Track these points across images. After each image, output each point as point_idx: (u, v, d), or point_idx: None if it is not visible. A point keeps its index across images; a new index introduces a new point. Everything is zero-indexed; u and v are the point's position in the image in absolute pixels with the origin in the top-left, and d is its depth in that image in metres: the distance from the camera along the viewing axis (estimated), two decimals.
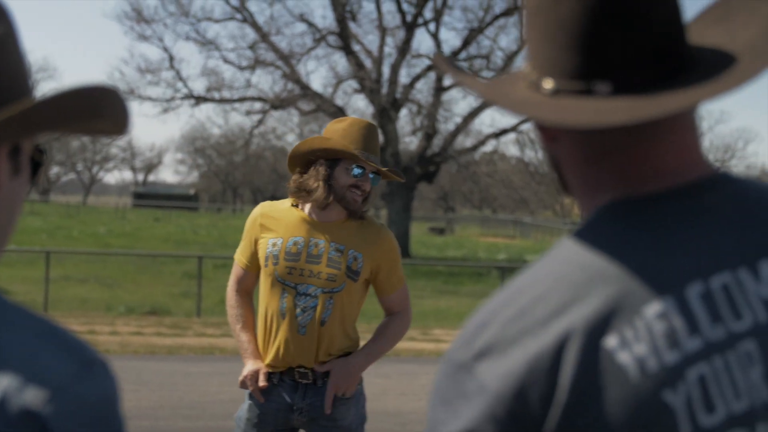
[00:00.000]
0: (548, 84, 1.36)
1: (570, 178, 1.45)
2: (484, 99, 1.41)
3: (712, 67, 1.34)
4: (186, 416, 9.45)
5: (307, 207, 4.40)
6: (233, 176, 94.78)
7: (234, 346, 3.87)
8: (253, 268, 4.50)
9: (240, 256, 4.54)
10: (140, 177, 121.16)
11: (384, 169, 4.40)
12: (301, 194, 4.35)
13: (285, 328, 4.30)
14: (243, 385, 4.39)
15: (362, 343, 4.47)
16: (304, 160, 4.37)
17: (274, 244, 4.37)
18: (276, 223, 4.42)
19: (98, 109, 1.29)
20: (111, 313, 18.11)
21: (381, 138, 34.19)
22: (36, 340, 1.23)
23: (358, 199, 4.33)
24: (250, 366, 4.38)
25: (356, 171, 4.31)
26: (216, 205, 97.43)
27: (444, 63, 1.51)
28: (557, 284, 1.30)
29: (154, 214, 73.27)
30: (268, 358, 4.36)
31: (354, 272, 4.33)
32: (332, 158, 4.32)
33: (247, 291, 4.56)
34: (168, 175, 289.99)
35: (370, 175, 4.37)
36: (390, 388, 11.22)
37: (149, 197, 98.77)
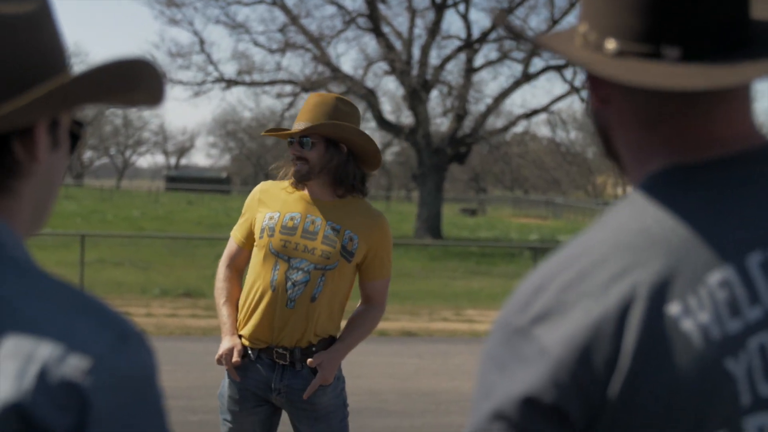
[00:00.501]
0: (611, 44, 1.33)
1: (619, 143, 1.42)
2: (552, 52, 1.39)
3: None
4: None
5: (306, 187, 4.45)
6: (265, 159, 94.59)
7: None
8: (248, 245, 4.53)
9: (236, 232, 4.57)
10: (173, 161, 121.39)
11: (304, 129, 4.34)
12: (291, 175, 4.48)
13: (273, 300, 4.30)
14: (219, 362, 4.40)
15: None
16: None
17: (270, 218, 4.40)
18: (274, 199, 4.47)
19: (135, 82, 1.31)
20: (146, 295, 18.20)
21: (415, 117, 34.13)
22: (74, 313, 1.24)
23: (300, 168, 4.36)
24: (226, 343, 4.40)
25: (289, 141, 4.40)
26: (248, 187, 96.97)
27: (504, 20, 1.47)
28: (617, 248, 1.28)
29: (187, 197, 73.44)
30: (249, 331, 4.36)
31: (349, 252, 4.34)
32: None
33: (237, 268, 4.59)
34: (200, 158, 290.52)
35: (302, 139, 4.36)
36: (423, 367, 11.23)
37: (182, 181, 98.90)
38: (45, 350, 1.18)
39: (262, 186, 4.57)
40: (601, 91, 1.40)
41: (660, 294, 1.23)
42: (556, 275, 1.30)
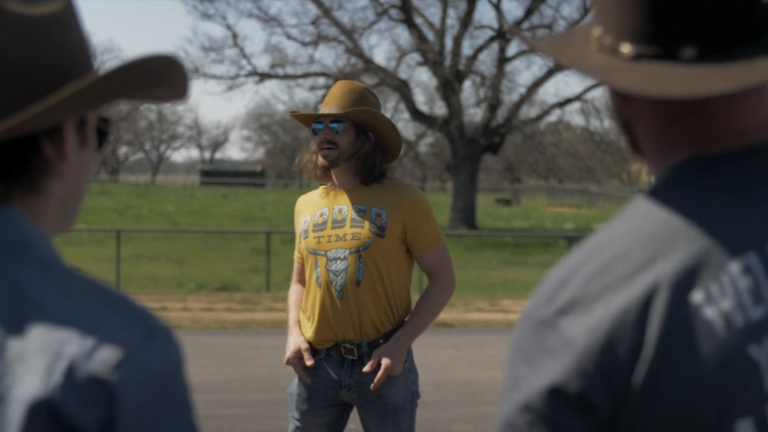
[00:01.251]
0: (626, 48, 1.33)
1: (643, 139, 1.42)
2: (564, 65, 1.39)
3: None
4: (257, 389, 9.53)
5: (329, 180, 4.47)
6: (299, 152, 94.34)
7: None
8: (302, 259, 4.56)
9: (295, 255, 4.62)
10: (207, 155, 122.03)
11: (331, 113, 4.34)
12: (310, 173, 4.49)
13: (323, 296, 4.31)
14: (289, 362, 4.39)
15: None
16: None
17: (305, 222, 4.46)
18: (306, 206, 4.53)
19: (158, 78, 1.32)
20: (182, 289, 18.32)
21: (448, 108, 34.12)
22: (101, 310, 1.24)
23: (329, 154, 4.33)
24: (291, 344, 4.39)
25: (314, 126, 4.40)
26: (283, 181, 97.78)
27: (517, 32, 1.47)
28: (639, 240, 1.28)
29: (222, 191, 73.82)
30: (313, 333, 4.36)
31: (379, 228, 4.31)
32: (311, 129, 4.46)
33: (303, 282, 4.58)
34: (234, 152, 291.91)
35: (333, 125, 4.34)
36: (459, 358, 11.24)
37: (216, 174, 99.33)
38: (73, 347, 1.19)
39: (297, 202, 4.64)
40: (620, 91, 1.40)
41: (682, 283, 1.24)
42: (580, 268, 1.31)
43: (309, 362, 4.32)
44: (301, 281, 4.57)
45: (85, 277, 1.29)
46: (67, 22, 1.33)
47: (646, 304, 1.23)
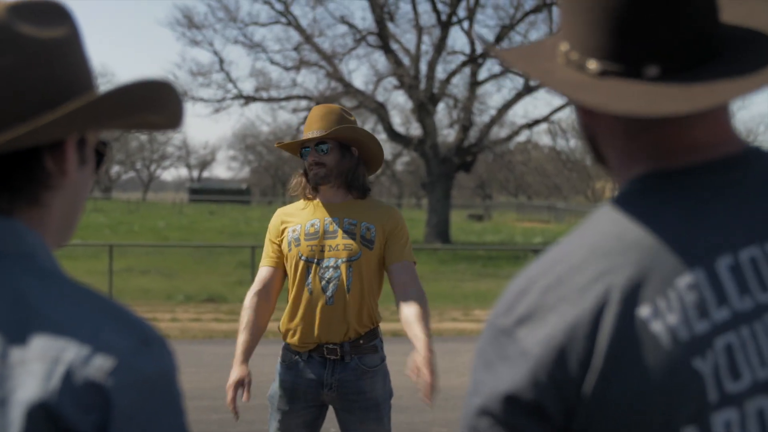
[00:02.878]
0: (593, 65, 1.33)
1: (607, 151, 1.42)
2: (532, 79, 1.38)
3: (752, 51, 1.32)
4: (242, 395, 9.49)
5: (317, 196, 4.51)
6: (282, 170, 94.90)
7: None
8: (279, 264, 4.50)
9: (264, 259, 4.55)
10: (195, 173, 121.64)
11: (317, 137, 4.39)
12: (299, 193, 4.54)
13: (313, 302, 4.33)
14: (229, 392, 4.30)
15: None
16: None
17: (294, 230, 4.45)
18: (293, 216, 4.53)
19: (154, 101, 1.34)
20: (171, 301, 18.23)
21: (423, 128, 34.15)
22: (98, 318, 1.25)
23: (318, 172, 4.39)
24: (234, 373, 4.32)
25: (302, 152, 4.46)
26: (267, 198, 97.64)
27: (491, 47, 1.47)
28: (593, 254, 1.28)
29: (209, 207, 73.63)
30: (297, 336, 4.37)
31: (368, 241, 4.37)
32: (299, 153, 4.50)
33: (267, 290, 4.48)
34: (221, 171, 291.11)
35: (318, 147, 4.40)
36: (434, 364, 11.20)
37: (204, 192, 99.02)
38: (71, 353, 1.20)
39: (279, 212, 4.62)
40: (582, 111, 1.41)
41: (631, 297, 1.24)
42: (537, 279, 1.31)
43: (244, 398, 4.25)
44: (264, 292, 4.46)
45: (83, 288, 1.30)
46: (73, 46, 1.36)
47: (596, 316, 1.24)
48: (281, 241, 4.50)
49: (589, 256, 1.29)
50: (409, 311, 4.24)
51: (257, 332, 4.43)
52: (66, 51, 1.34)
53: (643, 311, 1.23)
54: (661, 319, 1.23)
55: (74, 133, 1.32)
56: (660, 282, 1.24)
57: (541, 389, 1.25)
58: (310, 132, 4.41)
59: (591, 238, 1.32)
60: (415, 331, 4.16)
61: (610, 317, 1.23)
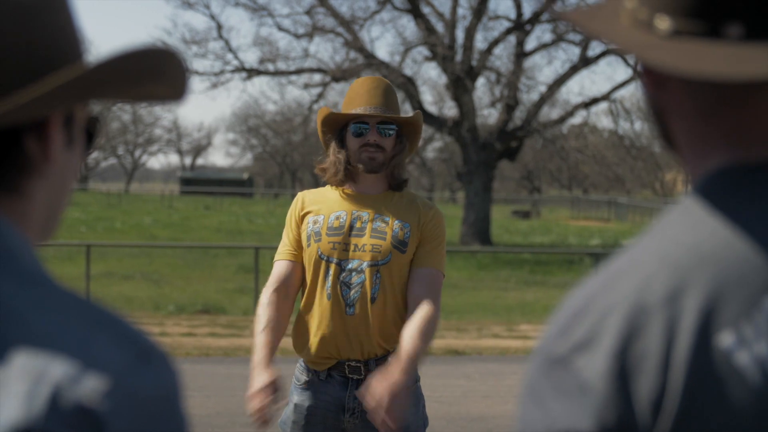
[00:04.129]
0: (664, 23, 1.29)
1: (676, 132, 1.38)
2: (592, 36, 1.36)
3: None
4: (245, 423, 9.52)
5: (347, 183, 4.50)
6: (291, 157, 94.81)
7: None
8: (298, 257, 4.46)
9: (280, 251, 4.50)
10: (188, 161, 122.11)
11: (393, 116, 4.40)
12: (329, 178, 4.50)
13: (331, 310, 4.31)
14: (251, 404, 4.10)
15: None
16: (326, 139, 4.54)
17: (315, 222, 4.43)
18: (317, 203, 4.50)
19: (159, 73, 1.32)
20: (159, 312, 18.29)
21: (459, 108, 34.16)
22: (90, 328, 1.24)
23: (376, 157, 4.39)
24: (257, 380, 4.13)
25: (354, 128, 4.41)
26: (273, 190, 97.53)
27: (545, 6, 1.43)
28: (663, 267, 1.24)
29: (204, 201, 73.80)
30: (313, 350, 4.35)
31: (401, 242, 4.36)
32: (340, 128, 4.48)
33: (287, 288, 4.44)
34: (218, 158, 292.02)
35: (383, 127, 4.41)
36: (473, 390, 11.24)
37: (198, 183, 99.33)
38: (58, 369, 1.19)
39: (300, 195, 4.60)
40: (655, 74, 1.37)
41: (709, 323, 1.18)
42: (597, 296, 1.27)
43: (273, 401, 4.06)
44: (284, 288, 4.43)
45: (72, 294, 1.29)
46: (57, 6, 1.34)
47: (667, 346, 1.19)
48: (300, 232, 4.48)
49: (659, 269, 1.24)
50: (410, 324, 4.20)
51: (280, 332, 4.34)
52: (50, 12, 1.32)
53: (725, 340, 1.18)
54: (747, 348, 1.17)
55: (58, 110, 1.31)
56: (745, 303, 1.19)
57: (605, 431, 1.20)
58: (370, 107, 4.40)
59: (662, 247, 1.27)
60: (402, 344, 4.13)
61: (683, 348, 1.18)
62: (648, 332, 1.20)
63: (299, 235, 4.48)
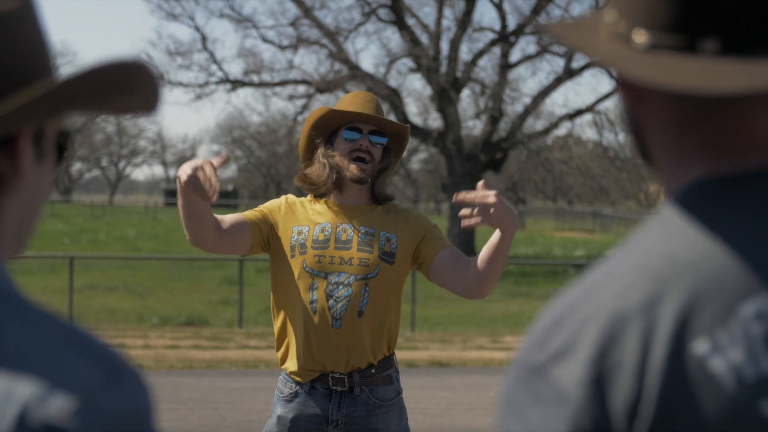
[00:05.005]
0: (641, 37, 1.31)
1: (654, 145, 1.40)
2: (572, 49, 1.37)
3: None
4: None
5: (331, 194, 4.47)
6: (276, 169, 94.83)
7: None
8: (254, 226, 4.33)
9: (246, 212, 4.40)
10: (172, 172, 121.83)
11: (389, 121, 4.38)
12: (310, 188, 4.46)
13: (317, 324, 4.29)
14: (190, 182, 3.90)
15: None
16: (311, 148, 4.50)
17: (299, 232, 4.40)
18: (301, 211, 4.47)
19: (129, 86, 1.31)
20: (143, 324, 18.28)
21: (444, 119, 34.23)
22: (59, 345, 1.23)
23: (364, 167, 4.37)
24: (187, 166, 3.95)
25: (347, 134, 4.38)
26: (257, 201, 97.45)
27: (528, 20, 1.43)
28: (640, 277, 1.25)
29: None
30: (297, 363, 4.34)
31: (388, 254, 4.35)
32: (330, 133, 4.44)
33: (224, 226, 4.25)
34: None
35: (375, 137, 4.40)
36: (456, 402, 11.24)
37: None
38: (26, 388, 1.18)
39: (288, 197, 4.58)
40: (633, 87, 1.38)
41: (685, 330, 1.20)
42: (574, 307, 1.28)
43: (217, 161, 3.98)
44: (221, 226, 4.22)
45: (42, 309, 1.28)
46: (26, 21, 1.33)
47: (643, 354, 1.21)
48: (275, 226, 4.40)
49: (636, 279, 1.26)
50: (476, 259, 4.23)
51: (206, 211, 4.13)
52: (18, 27, 1.31)
53: (700, 347, 1.19)
54: (722, 355, 1.19)
55: (29, 126, 1.30)
56: (720, 311, 1.20)
57: None
58: (364, 113, 4.39)
59: (638, 258, 1.29)
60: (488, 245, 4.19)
61: (659, 355, 1.20)
62: (624, 340, 1.21)
63: (273, 226, 4.41)
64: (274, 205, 4.50)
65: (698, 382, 1.18)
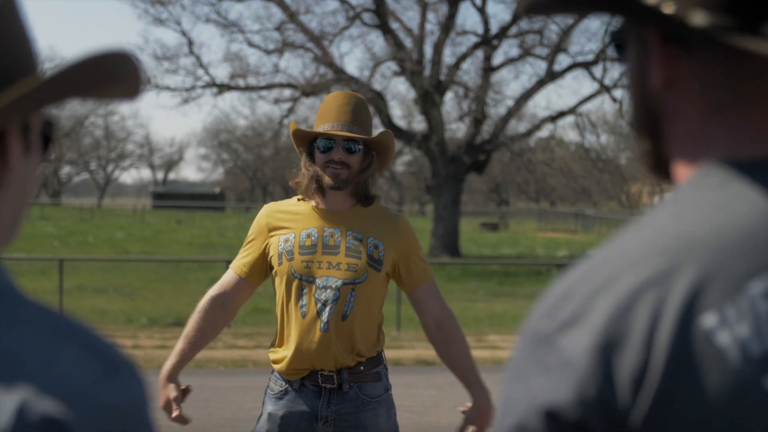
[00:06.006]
0: (698, 18, 1.26)
1: (675, 131, 1.37)
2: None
3: None
4: None
5: (316, 198, 4.48)
6: (262, 172, 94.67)
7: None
8: (251, 276, 4.53)
9: (236, 262, 4.57)
10: (160, 175, 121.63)
11: (358, 136, 4.39)
12: (300, 191, 4.51)
13: (306, 327, 4.32)
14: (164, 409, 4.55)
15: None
16: (300, 151, 4.56)
17: (286, 240, 4.42)
18: (285, 219, 4.49)
19: (110, 76, 1.31)
20: (132, 325, 18.22)
21: (428, 122, 34.21)
22: (56, 341, 1.23)
23: (340, 174, 4.38)
24: (161, 398, 4.53)
25: (320, 144, 4.42)
26: (244, 204, 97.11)
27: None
28: (651, 253, 1.25)
29: (176, 215, 73.57)
30: (288, 363, 4.37)
31: (377, 261, 4.38)
32: (310, 141, 4.49)
33: (226, 300, 4.57)
34: (190, 172, 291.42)
35: (345, 146, 4.40)
36: (442, 399, 11.24)
37: (170, 197, 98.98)
38: (24, 383, 1.17)
39: (267, 209, 4.59)
40: (668, 71, 1.35)
41: (693, 304, 1.20)
42: (585, 279, 1.28)
43: (174, 413, 4.49)
44: (222, 298, 4.55)
45: (39, 305, 1.27)
46: (8, 18, 1.32)
47: (651, 326, 1.20)
48: (266, 248, 4.48)
49: (646, 254, 1.25)
50: (453, 349, 4.57)
51: (201, 342, 4.58)
52: (2, 24, 1.30)
53: (708, 321, 1.20)
54: (729, 330, 1.19)
55: (16, 120, 1.30)
56: (729, 287, 1.20)
57: (587, 407, 1.22)
58: (338, 123, 4.40)
59: (650, 235, 1.28)
60: (470, 377, 4.60)
61: (667, 327, 1.20)
62: (634, 311, 1.21)
63: (264, 252, 4.50)
64: (257, 228, 4.57)
65: (704, 354, 1.19)
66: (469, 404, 4.58)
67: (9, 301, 1.26)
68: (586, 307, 1.25)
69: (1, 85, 1.29)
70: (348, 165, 4.38)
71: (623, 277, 1.25)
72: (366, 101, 4.53)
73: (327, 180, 4.39)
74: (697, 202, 1.29)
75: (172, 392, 4.47)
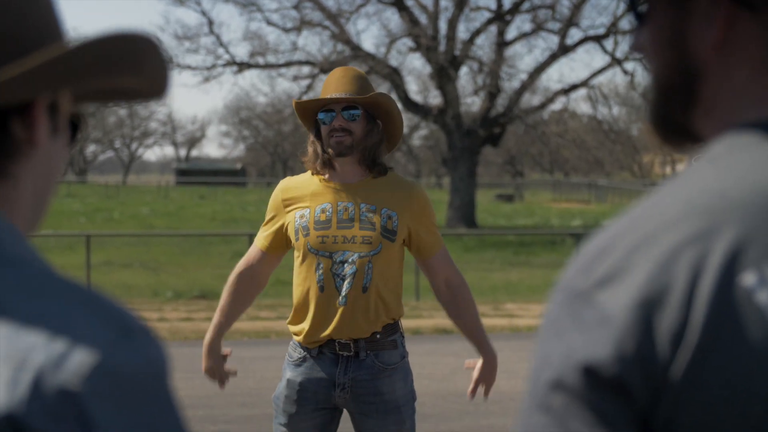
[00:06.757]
0: None
1: (716, 93, 1.35)
2: None
3: None
4: (242, 404, 9.54)
5: (327, 173, 4.48)
6: (282, 148, 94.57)
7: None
8: (272, 250, 4.57)
9: (260, 238, 4.62)
10: (182, 152, 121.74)
11: (351, 97, 4.39)
12: (310, 167, 4.52)
13: (324, 301, 4.34)
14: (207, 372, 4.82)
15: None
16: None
17: (302, 216, 4.43)
18: (300, 195, 4.49)
19: (140, 59, 1.29)
20: (158, 298, 18.31)
21: (443, 97, 34.15)
22: (72, 309, 1.21)
23: (343, 140, 4.37)
24: (204, 359, 4.79)
25: (321, 116, 4.42)
26: (265, 179, 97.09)
27: None
28: (690, 211, 1.23)
29: (199, 191, 73.62)
30: (306, 334, 4.39)
31: (390, 232, 4.37)
32: (314, 118, 4.50)
33: (254, 273, 4.64)
34: (212, 149, 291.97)
35: (347, 112, 4.40)
36: (460, 366, 11.18)
37: (193, 174, 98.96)
38: (39, 355, 1.16)
39: (282, 185, 4.59)
40: (724, 32, 1.32)
41: (734, 263, 1.18)
42: (622, 236, 1.26)
43: (217, 377, 4.81)
44: (250, 272, 4.64)
45: (59, 277, 1.25)
46: None
47: (691, 283, 1.18)
48: (284, 226, 4.49)
49: (686, 213, 1.23)
50: (464, 310, 4.67)
51: (235, 314, 4.76)
52: None
53: (747, 279, 1.17)
54: None
55: (43, 92, 1.27)
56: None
57: (625, 364, 1.19)
58: (335, 93, 4.39)
59: (689, 193, 1.26)
60: (479, 337, 4.78)
61: (708, 285, 1.18)
62: (674, 268, 1.20)
63: (281, 230, 4.52)
64: (273, 205, 4.60)
65: (744, 312, 1.17)
66: (474, 360, 4.76)
67: (30, 272, 1.25)
68: (625, 263, 1.23)
69: (28, 50, 1.28)
70: (350, 131, 4.37)
71: (663, 235, 1.23)
72: (365, 74, 4.55)
73: (331, 149, 4.39)
74: (737, 162, 1.26)
75: (214, 360, 4.73)
